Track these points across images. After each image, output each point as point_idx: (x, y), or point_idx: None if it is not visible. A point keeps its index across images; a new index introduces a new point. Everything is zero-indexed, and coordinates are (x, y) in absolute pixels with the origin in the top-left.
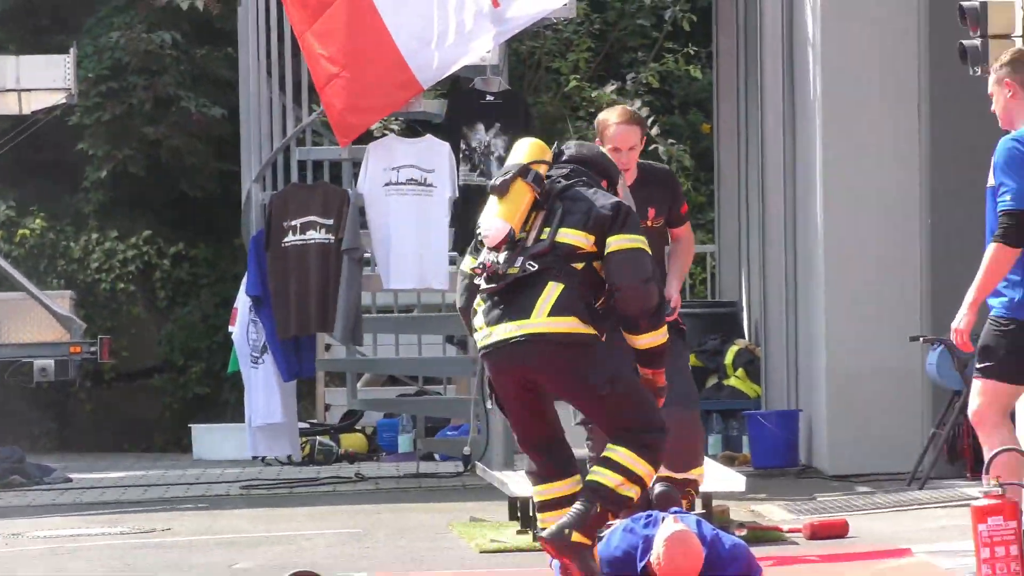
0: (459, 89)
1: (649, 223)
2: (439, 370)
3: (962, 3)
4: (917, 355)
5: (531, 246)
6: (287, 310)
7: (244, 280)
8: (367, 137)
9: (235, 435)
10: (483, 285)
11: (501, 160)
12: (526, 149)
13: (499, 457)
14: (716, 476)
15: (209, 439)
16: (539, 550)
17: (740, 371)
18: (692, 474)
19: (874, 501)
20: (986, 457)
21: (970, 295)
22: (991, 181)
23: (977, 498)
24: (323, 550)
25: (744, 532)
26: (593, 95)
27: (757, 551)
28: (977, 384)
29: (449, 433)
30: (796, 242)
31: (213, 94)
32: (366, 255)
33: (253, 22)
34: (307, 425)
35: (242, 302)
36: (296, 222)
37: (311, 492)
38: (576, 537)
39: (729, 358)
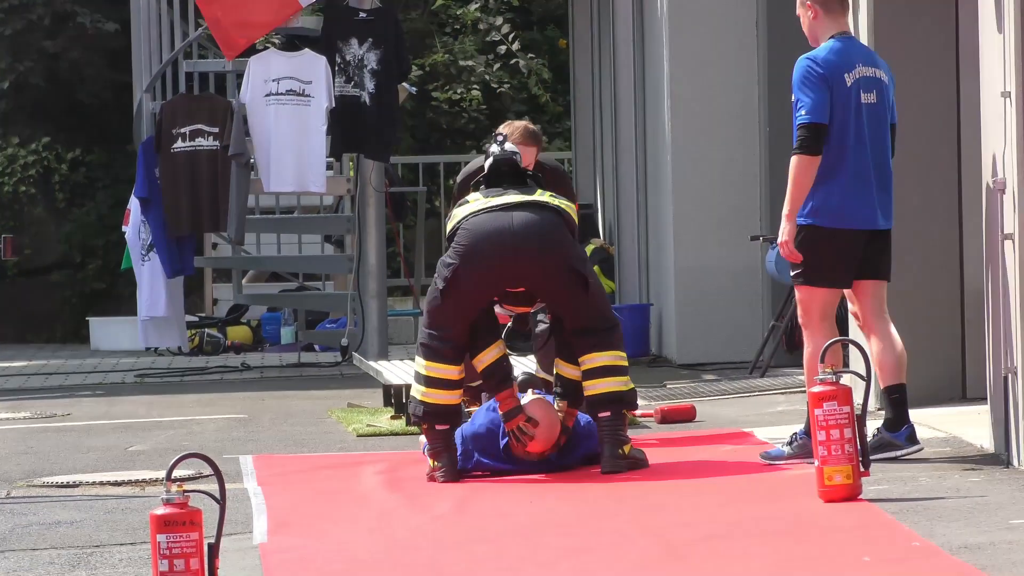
0: (334, 7)
1: None
2: (318, 267)
3: None
4: (757, 253)
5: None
6: (178, 211)
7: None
8: (250, 51)
9: (130, 327)
10: (498, 153)
11: (374, 73)
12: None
13: (374, 348)
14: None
15: (105, 331)
16: (414, 433)
17: (596, 268)
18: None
19: (719, 388)
20: (806, 351)
21: (785, 207)
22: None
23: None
24: (212, 434)
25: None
26: (458, 12)
27: None
28: (797, 292)
29: (328, 326)
30: (646, 149)
31: (107, 10)
32: (251, 160)
33: None
34: (196, 318)
35: (134, 203)
36: (185, 129)
37: (200, 380)
38: (627, 449)
39: None
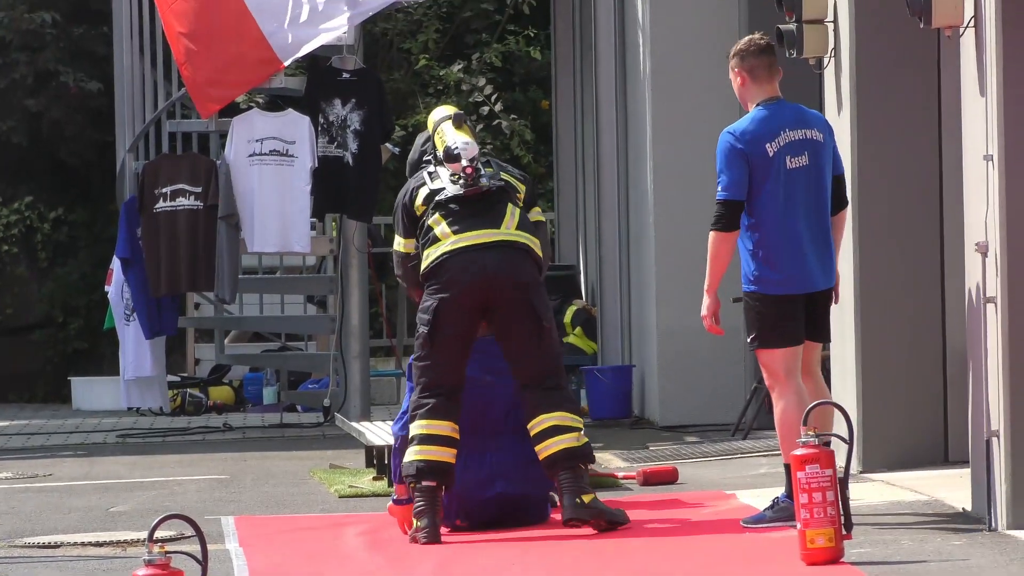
0: (317, 67)
1: None
2: (301, 327)
3: None
4: (739, 315)
5: (486, 172)
6: (158, 271)
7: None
8: (234, 110)
9: (112, 387)
10: (460, 192)
11: (357, 133)
12: (450, 108)
13: (356, 409)
14: None
15: (87, 391)
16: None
17: (578, 329)
18: None
19: (702, 450)
20: (777, 409)
21: (706, 282)
22: None
23: (796, 448)
24: (194, 494)
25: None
26: (441, 73)
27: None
28: (758, 358)
29: (310, 386)
30: (629, 210)
31: (90, 69)
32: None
33: (126, 3)
34: (178, 378)
35: (117, 263)
36: (166, 189)
37: (182, 441)
38: (587, 498)
39: (568, 317)
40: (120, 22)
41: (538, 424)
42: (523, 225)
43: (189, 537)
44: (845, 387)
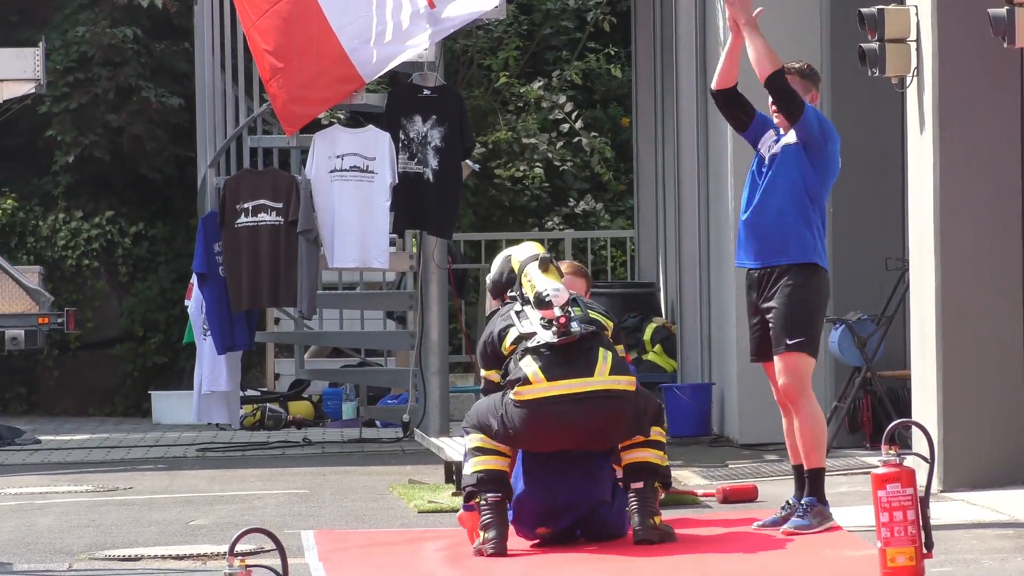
0: (398, 83)
1: None
2: (380, 343)
3: (861, 9)
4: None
5: (576, 316)
6: (239, 286)
7: None
8: (314, 126)
9: (191, 401)
10: (553, 340)
11: (437, 150)
12: (536, 246)
13: (435, 424)
14: None
15: (167, 405)
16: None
17: (658, 347)
18: None
19: (781, 468)
20: (804, 417)
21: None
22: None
23: (876, 466)
24: (273, 509)
25: (662, 495)
26: (521, 90)
27: (674, 513)
28: (794, 360)
29: (389, 401)
30: (709, 227)
31: (171, 85)
32: (319, 236)
33: (208, 19)
34: (258, 393)
35: (196, 278)
36: (248, 204)
37: (262, 455)
38: (659, 520)
39: (647, 335)
40: (202, 38)
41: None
42: (616, 368)
43: (269, 551)
44: (926, 406)
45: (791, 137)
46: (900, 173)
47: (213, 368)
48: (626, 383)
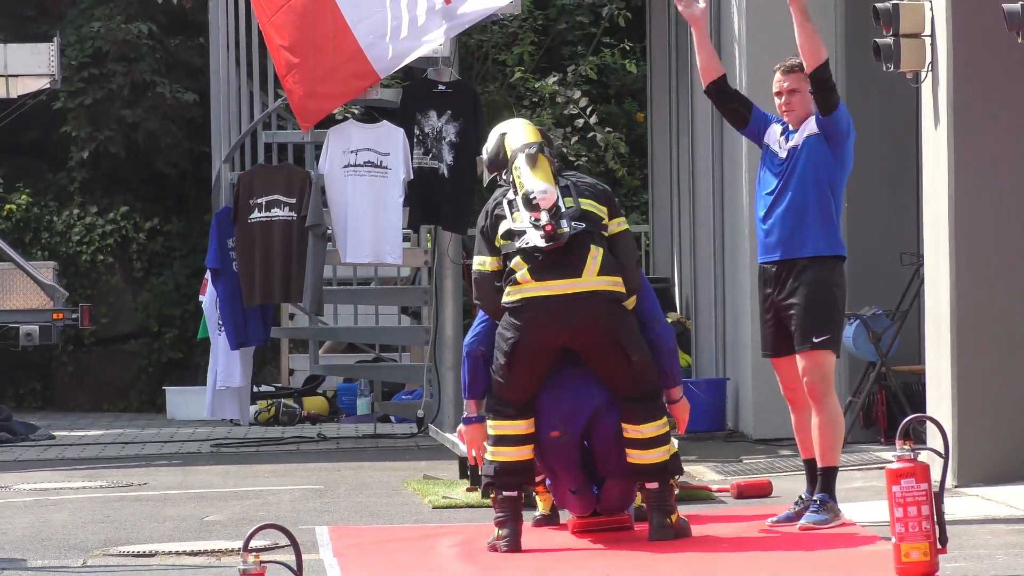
0: (413, 79)
1: None
2: (395, 338)
3: (876, 4)
4: None
5: (567, 210)
6: (252, 281)
7: None
8: (329, 121)
9: (205, 397)
10: (541, 244)
11: (452, 145)
12: (527, 130)
13: (450, 420)
14: None
15: (181, 400)
16: (490, 505)
17: None
18: None
19: (795, 463)
20: (826, 415)
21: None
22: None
23: (891, 462)
24: (288, 504)
25: (677, 490)
26: (536, 85)
27: (689, 508)
28: (821, 357)
29: (404, 397)
30: (724, 223)
31: (186, 80)
32: (328, 231)
33: (223, 14)
34: (272, 388)
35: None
36: (262, 200)
37: (276, 451)
38: (674, 518)
39: None
40: (216, 33)
41: (634, 432)
42: (606, 267)
43: (284, 547)
44: (941, 402)
45: (811, 128)
46: (915, 168)
47: (227, 364)
48: (611, 283)
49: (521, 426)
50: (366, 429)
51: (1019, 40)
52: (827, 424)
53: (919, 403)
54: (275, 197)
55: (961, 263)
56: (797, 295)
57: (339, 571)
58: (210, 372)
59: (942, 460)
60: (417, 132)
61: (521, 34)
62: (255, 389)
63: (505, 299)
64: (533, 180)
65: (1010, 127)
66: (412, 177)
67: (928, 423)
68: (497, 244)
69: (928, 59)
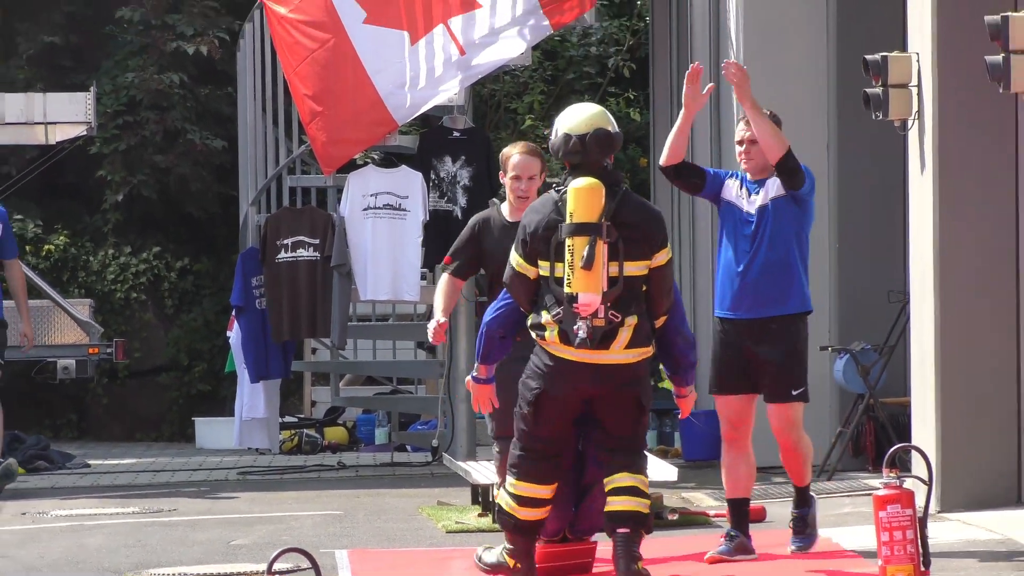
0: (430, 126)
1: None
2: (411, 372)
3: (866, 56)
4: (826, 363)
5: (608, 291)
6: (280, 318)
7: None
8: (350, 166)
9: (233, 427)
10: (578, 340)
11: (466, 189)
12: (591, 193)
13: (463, 449)
14: (651, 467)
15: (210, 431)
16: (497, 530)
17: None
18: None
19: (788, 490)
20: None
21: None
22: None
23: (878, 488)
24: (309, 529)
25: (676, 516)
26: (546, 132)
27: (687, 533)
28: (797, 410)
29: (419, 427)
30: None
31: (215, 128)
32: (351, 270)
33: (250, 66)
34: (295, 419)
35: None
36: (288, 241)
37: (299, 478)
38: (640, 565)
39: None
40: (244, 83)
41: (619, 480)
42: (635, 340)
43: (305, 570)
44: (925, 431)
45: (776, 189)
46: (902, 211)
47: (252, 396)
48: (639, 355)
49: (546, 491)
50: (383, 458)
51: (1000, 91)
52: (805, 455)
53: (905, 433)
54: (300, 238)
55: (945, 301)
56: (774, 350)
57: None
58: (237, 404)
59: (926, 487)
60: (433, 176)
61: (531, 84)
62: (280, 420)
63: (532, 333)
64: (581, 281)
65: (992, 172)
66: (428, 219)
67: (913, 452)
68: (539, 263)
69: (915, 108)
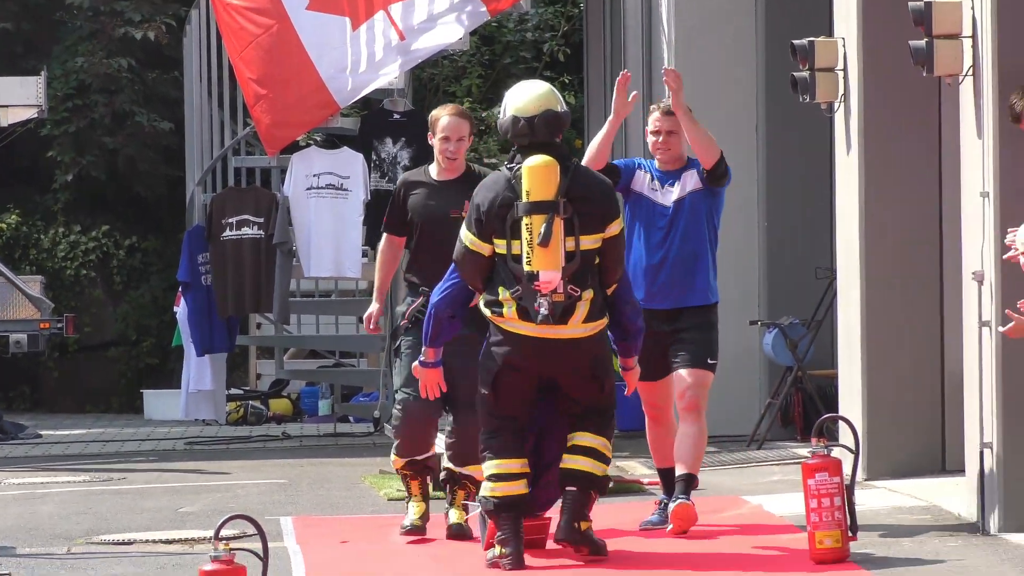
0: (370, 108)
1: (462, 214)
2: (353, 345)
3: (793, 41)
4: (755, 336)
5: (566, 267)
6: (225, 294)
7: None
8: (293, 148)
9: (180, 399)
10: (540, 316)
11: (406, 169)
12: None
13: None
14: None
15: (158, 402)
16: (439, 497)
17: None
18: (468, 470)
19: (720, 459)
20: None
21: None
22: None
23: (806, 457)
24: (255, 497)
25: (611, 484)
26: (483, 115)
27: (622, 500)
28: (707, 377)
29: (361, 399)
30: None
31: (162, 111)
32: (293, 248)
33: (196, 50)
34: (241, 391)
35: None
36: (232, 219)
37: (245, 448)
38: (584, 526)
39: None
40: (190, 67)
41: (580, 439)
42: (592, 313)
43: (251, 536)
44: (852, 402)
45: (693, 183)
46: (829, 190)
47: (199, 369)
48: (595, 327)
49: (517, 465)
50: (327, 428)
51: (924, 74)
52: (701, 436)
53: (832, 404)
54: (245, 217)
55: (870, 277)
56: (692, 329)
57: (302, 557)
58: (184, 377)
59: (853, 456)
60: (374, 157)
61: (469, 68)
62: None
63: (486, 311)
64: (541, 259)
65: (915, 153)
66: (370, 199)
67: (840, 422)
68: (495, 241)
69: (841, 91)
